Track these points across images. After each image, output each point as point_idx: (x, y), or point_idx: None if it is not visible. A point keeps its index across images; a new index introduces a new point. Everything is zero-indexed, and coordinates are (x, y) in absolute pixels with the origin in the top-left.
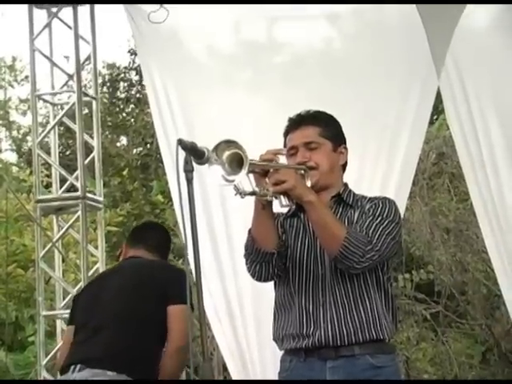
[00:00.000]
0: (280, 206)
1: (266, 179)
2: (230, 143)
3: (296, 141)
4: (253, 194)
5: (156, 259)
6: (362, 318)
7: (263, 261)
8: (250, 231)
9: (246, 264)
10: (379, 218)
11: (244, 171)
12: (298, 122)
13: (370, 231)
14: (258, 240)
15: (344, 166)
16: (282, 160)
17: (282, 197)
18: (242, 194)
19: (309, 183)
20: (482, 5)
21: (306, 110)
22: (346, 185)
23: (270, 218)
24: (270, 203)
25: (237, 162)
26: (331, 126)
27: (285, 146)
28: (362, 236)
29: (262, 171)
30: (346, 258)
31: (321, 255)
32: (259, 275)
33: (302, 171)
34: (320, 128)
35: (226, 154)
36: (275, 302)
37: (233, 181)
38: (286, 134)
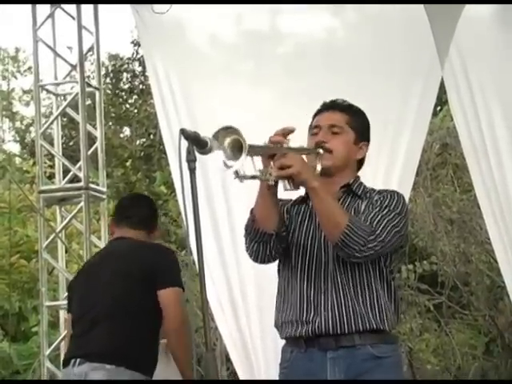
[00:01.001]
0: (284, 190)
1: (272, 162)
2: (228, 129)
3: (322, 121)
4: (254, 177)
5: (143, 240)
6: (362, 306)
7: (261, 240)
8: (251, 211)
9: (245, 244)
10: (386, 210)
11: (244, 156)
12: (329, 106)
13: (375, 222)
14: (259, 220)
15: (360, 162)
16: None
17: (286, 181)
18: (241, 177)
19: (319, 166)
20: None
21: (343, 99)
22: (357, 177)
23: (274, 199)
24: (275, 185)
25: (238, 148)
26: (361, 119)
27: (310, 125)
28: (365, 225)
29: (269, 154)
30: (346, 246)
31: (324, 243)
32: (256, 255)
33: (315, 153)
34: (349, 117)
35: (227, 140)
36: (278, 288)
37: (233, 166)
38: (316, 115)
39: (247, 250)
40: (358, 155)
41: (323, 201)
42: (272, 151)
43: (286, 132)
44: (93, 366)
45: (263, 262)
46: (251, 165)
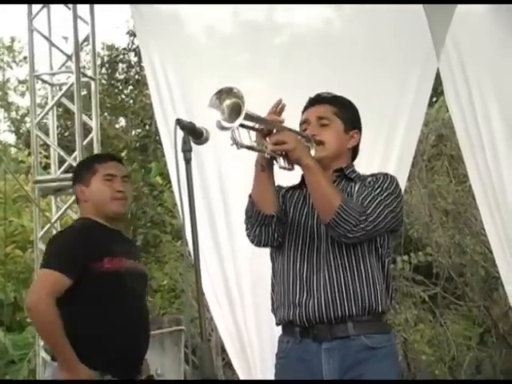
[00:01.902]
0: (278, 167)
1: (267, 138)
2: (232, 91)
3: (309, 115)
4: (250, 148)
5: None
6: (356, 286)
7: (263, 224)
8: (250, 195)
9: (246, 230)
10: (378, 190)
11: (240, 119)
12: (316, 100)
13: (366, 201)
14: (258, 202)
15: (354, 150)
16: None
17: (281, 158)
18: (238, 144)
19: (313, 153)
20: None
21: (327, 92)
22: (351, 164)
23: (270, 180)
24: (270, 165)
25: (236, 111)
26: (348, 109)
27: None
28: (357, 205)
29: (265, 130)
30: (338, 226)
31: (317, 225)
32: (259, 239)
33: (308, 143)
34: (336, 108)
35: (227, 102)
36: (272, 273)
37: (229, 128)
38: (303, 111)
39: (249, 236)
40: (350, 143)
41: (317, 179)
42: (268, 125)
43: (278, 110)
44: (49, 362)
45: (266, 245)
46: (247, 138)
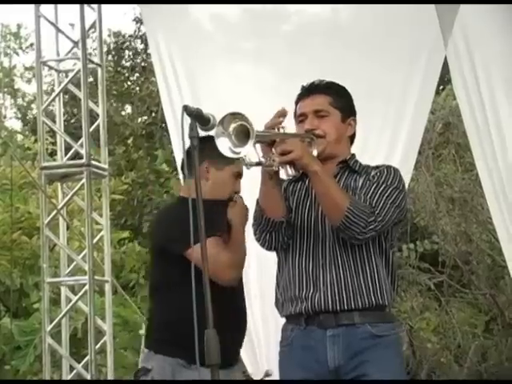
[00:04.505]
0: (286, 176)
1: (273, 149)
2: (235, 115)
3: (306, 108)
4: (259, 164)
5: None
6: (361, 281)
7: (273, 230)
8: (257, 201)
9: (255, 234)
10: (383, 186)
11: (251, 142)
12: (309, 90)
13: (374, 201)
14: (267, 209)
15: (352, 138)
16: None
17: (287, 166)
18: (247, 165)
19: (315, 152)
20: None
21: (320, 79)
22: (353, 154)
23: (277, 187)
24: (277, 173)
25: (243, 134)
26: (343, 97)
27: (295, 113)
28: (364, 206)
29: (268, 141)
30: (348, 229)
31: (322, 218)
32: (269, 244)
33: (309, 139)
34: (331, 98)
35: (233, 126)
36: (278, 266)
37: (239, 153)
38: (298, 101)
39: (258, 240)
40: (349, 132)
41: (324, 184)
42: (272, 137)
43: (281, 117)
44: (143, 350)
45: (276, 249)
46: (254, 152)
